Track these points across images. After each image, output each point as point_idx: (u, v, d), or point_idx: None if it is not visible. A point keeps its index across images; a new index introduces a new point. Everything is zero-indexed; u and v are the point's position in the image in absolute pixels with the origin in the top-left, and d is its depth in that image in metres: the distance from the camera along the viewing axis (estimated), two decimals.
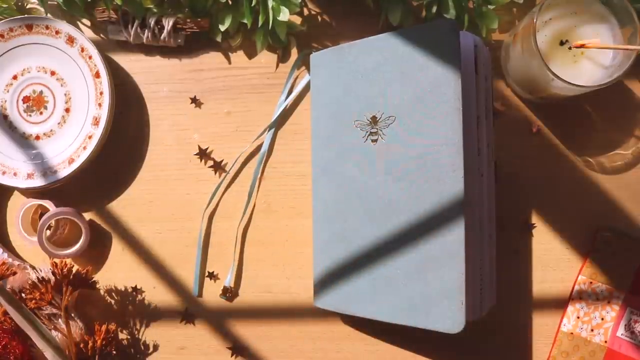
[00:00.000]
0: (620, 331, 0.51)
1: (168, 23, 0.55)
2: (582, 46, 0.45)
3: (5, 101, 0.58)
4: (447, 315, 0.44)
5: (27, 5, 0.59)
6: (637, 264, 0.51)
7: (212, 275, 0.57)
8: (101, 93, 0.56)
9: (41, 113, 0.58)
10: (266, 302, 0.57)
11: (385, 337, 0.55)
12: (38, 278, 0.53)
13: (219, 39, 0.56)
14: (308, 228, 0.54)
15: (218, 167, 0.57)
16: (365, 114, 0.48)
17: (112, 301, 0.58)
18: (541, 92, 0.50)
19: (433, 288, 0.44)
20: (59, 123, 0.58)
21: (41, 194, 0.58)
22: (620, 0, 0.45)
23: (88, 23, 0.59)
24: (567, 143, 0.53)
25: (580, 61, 0.47)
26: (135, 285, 0.58)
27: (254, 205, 0.57)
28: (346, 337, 0.55)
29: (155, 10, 0.56)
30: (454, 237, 0.43)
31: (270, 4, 0.52)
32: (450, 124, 0.43)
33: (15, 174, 0.57)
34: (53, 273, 0.53)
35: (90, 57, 0.56)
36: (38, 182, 0.56)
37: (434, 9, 0.52)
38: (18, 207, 0.57)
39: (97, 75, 0.56)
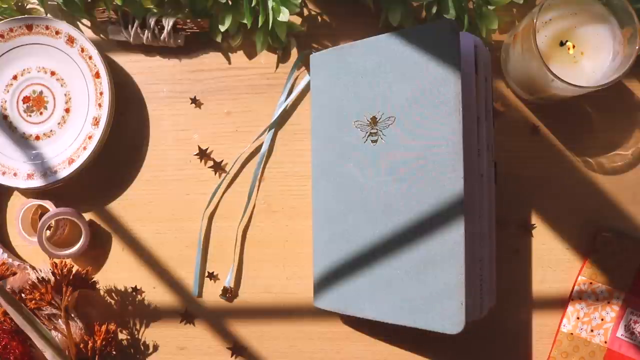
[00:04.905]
0: (620, 332, 0.51)
1: (168, 23, 0.55)
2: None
3: (5, 101, 0.58)
4: (447, 315, 0.44)
5: (27, 5, 0.59)
6: (637, 265, 0.51)
7: (212, 276, 0.57)
8: (101, 93, 0.56)
9: (41, 113, 0.58)
10: (266, 302, 0.57)
11: (385, 337, 0.55)
12: (38, 278, 0.53)
13: (219, 39, 0.56)
14: (308, 228, 0.54)
15: (218, 167, 0.57)
16: (365, 115, 0.48)
17: (112, 301, 0.58)
18: (541, 92, 0.50)
19: (433, 288, 0.45)
20: (59, 123, 0.57)
21: (41, 194, 0.58)
22: (620, 1, 0.45)
23: (88, 23, 0.59)
24: (567, 143, 0.53)
25: (580, 62, 0.47)
26: (135, 286, 0.58)
27: (254, 206, 0.57)
28: (346, 337, 0.55)
29: (155, 10, 0.56)
30: (453, 237, 0.43)
31: (270, 4, 0.52)
32: (450, 124, 0.43)
33: (15, 174, 0.57)
34: (53, 273, 0.53)
35: (90, 58, 0.56)
36: (38, 182, 0.56)
37: (434, 10, 0.52)
38: (18, 208, 0.57)
39: (97, 75, 0.56)
